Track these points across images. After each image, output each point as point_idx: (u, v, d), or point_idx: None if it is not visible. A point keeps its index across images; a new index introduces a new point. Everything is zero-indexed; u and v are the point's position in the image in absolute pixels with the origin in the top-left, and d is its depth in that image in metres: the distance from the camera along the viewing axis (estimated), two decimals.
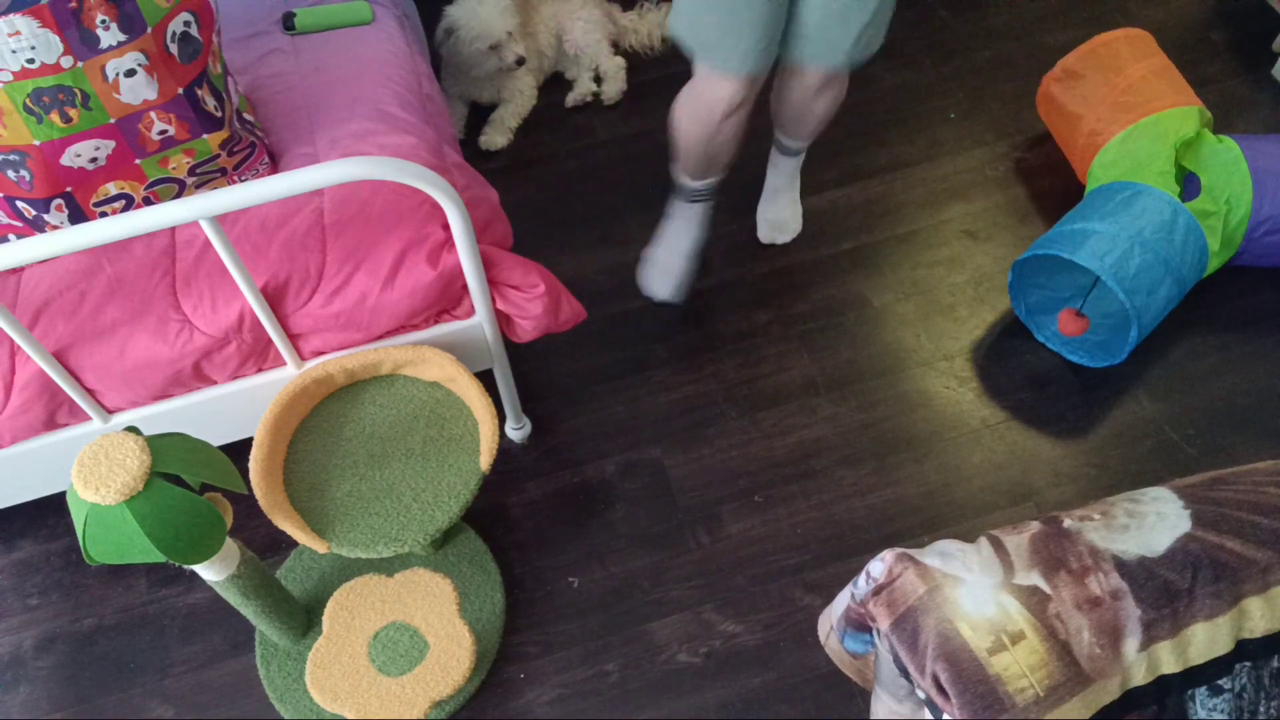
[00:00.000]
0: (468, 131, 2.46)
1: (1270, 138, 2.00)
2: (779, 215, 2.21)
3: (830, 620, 1.32)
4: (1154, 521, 1.14)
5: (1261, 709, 1.09)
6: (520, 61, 2.31)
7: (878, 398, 1.99)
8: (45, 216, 1.51)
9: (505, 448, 1.96)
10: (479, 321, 1.67)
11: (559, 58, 2.53)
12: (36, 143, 1.42)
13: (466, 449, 1.59)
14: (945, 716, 1.08)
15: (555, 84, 2.55)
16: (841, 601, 1.26)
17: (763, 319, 2.10)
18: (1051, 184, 2.29)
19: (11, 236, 1.54)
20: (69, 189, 1.49)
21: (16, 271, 1.59)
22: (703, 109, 1.81)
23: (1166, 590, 1.09)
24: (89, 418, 1.60)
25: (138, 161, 1.51)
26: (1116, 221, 1.87)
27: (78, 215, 1.53)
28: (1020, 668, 1.05)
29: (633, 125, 2.46)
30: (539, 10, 2.46)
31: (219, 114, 1.55)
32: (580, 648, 1.72)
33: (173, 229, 1.62)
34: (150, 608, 1.79)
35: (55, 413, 1.57)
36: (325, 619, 1.58)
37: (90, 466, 1.18)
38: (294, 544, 1.84)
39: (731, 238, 2.23)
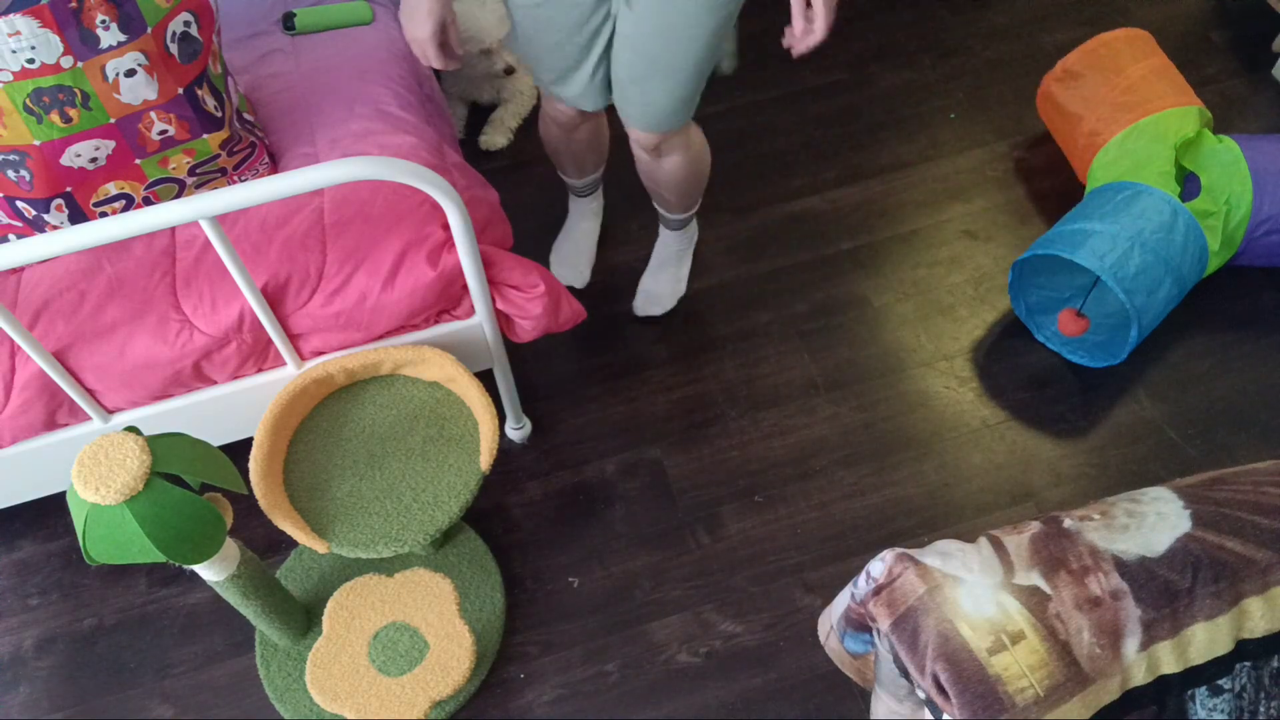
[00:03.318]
0: (468, 131, 2.46)
1: (1270, 138, 2.00)
2: (655, 288, 2.12)
3: (830, 620, 1.32)
4: (1154, 521, 1.14)
5: (1261, 709, 1.09)
6: (509, 71, 2.31)
7: (878, 398, 1.99)
8: (45, 216, 1.51)
9: (505, 448, 1.96)
10: (479, 321, 1.67)
11: None
12: (36, 143, 1.42)
13: (466, 449, 1.59)
14: (945, 716, 1.08)
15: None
16: (841, 601, 1.26)
17: (763, 319, 2.10)
18: (1051, 184, 2.29)
19: (11, 236, 1.54)
20: (69, 189, 1.49)
21: (16, 271, 1.59)
22: (550, 121, 1.87)
23: (1166, 590, 1.09)
24: (89, 418, 1.60)
25: (138, 161, 1.51)
26: (1116, 221, 1.87)
27: (78, 215, 1.53)
28: (1020, 668, 1.05)
29: None
30: None
31: (219, 114, 1.55)
32: (580, 648, 1.72)
33: (173, 229, 1.62)
34: (150, 608, 1.79)
35: (55, 413, 1.57)
36: (325, 619, 1.58)
37: (90, 466, 1.18)
38: (294, 544, 1.84)
39: (731, 238, 2.23)
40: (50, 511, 1.90)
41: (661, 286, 2.12)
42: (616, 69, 1.63)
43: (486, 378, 1.85)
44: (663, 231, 2.11)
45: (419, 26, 1.44)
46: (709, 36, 1.53)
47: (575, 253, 2.18)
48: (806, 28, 1.36)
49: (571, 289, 2.15)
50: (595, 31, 1.58)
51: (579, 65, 1.64)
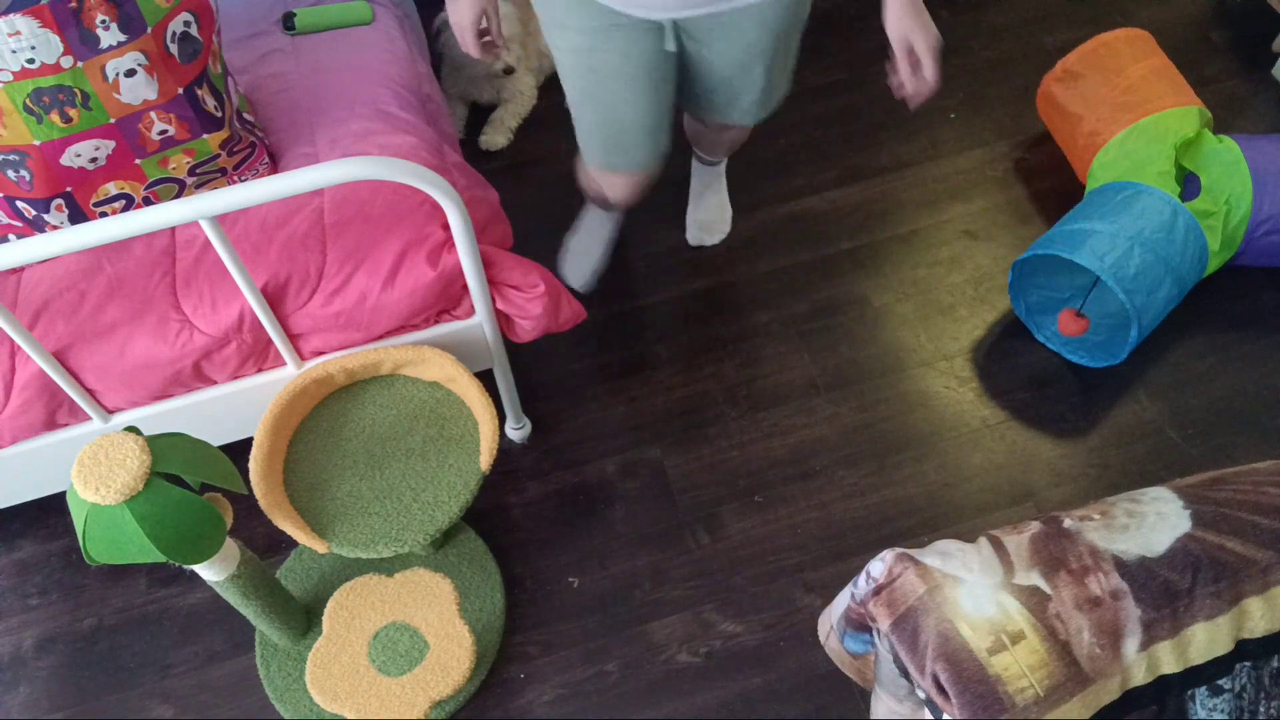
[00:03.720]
0: (468, 131, 2.46)
1: (1270, 138, 2.00)
2: (706, 216, 2.19)
3: (830, 620, 1.32)
4: (1154, 521, 1.14)
5: (1261, 709, 1.09)
6: (509, 70, 2.31)
7: (878, 398, 1.99)
8: (45, 216, 1.51)
9: (505, 448, 1.96)
10: (479, 321, 1.67)
11: None
12: (36, 143, 1.42)
13: (466, 449, 1.59)
14: (945, 716, 1.08)
15: (555, 84, 2.55)
16: (841, 601, 1.26)
17: (763, 319, 2.10)
18: (1051, 184, 2.29)
19: (11, 236, 1.54)
20: (69, 189, 1.49)
21: (16, 271, 1.59)
22: (593, 186, 1.86)
23: (1166, 590, 1.09)
24: (89, 418, 1.60)
25: (138, 161, 1.51)
26: (1116, 221, 1.87)
27: (78, 215, 1.53)
28: (1020, 668, 1.05)
29: None
30: None
31: (219, 114, 1.55)
32: (580, 648, 1.72)
33: (173, 229, 1.62)
34: (150, 608, 1.79)
35: (55, 413, 1.57)
36: (325, 619, 1.58)
37: (90, 466, 1.18)
38: (294, 544, 1.84)
39: (731, 238, 2.22)
40: (50, 511, 1.90)
41: (712, 214, 2.18)
42: (695, 98, 1.65)
43: (486, 378, 1.85)
44: (700, 166, 2.13)
45: (461, 12, 1.43)
46: (782, 44, 1.52)
47: (587, 257, 2.14)
48: (916, 80, 1.36)
49: (566, 283, 2.15)
50: (660, 78, 1.53)
51: (646, 119, 1.58)
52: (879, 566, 1.15)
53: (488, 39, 1.48)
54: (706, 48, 1.51)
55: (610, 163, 1.67)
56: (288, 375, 1.64)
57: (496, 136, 2.40)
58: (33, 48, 1.33)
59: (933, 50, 1.34)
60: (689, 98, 1.68)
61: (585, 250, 2.14)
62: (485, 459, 1.56)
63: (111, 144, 1.46)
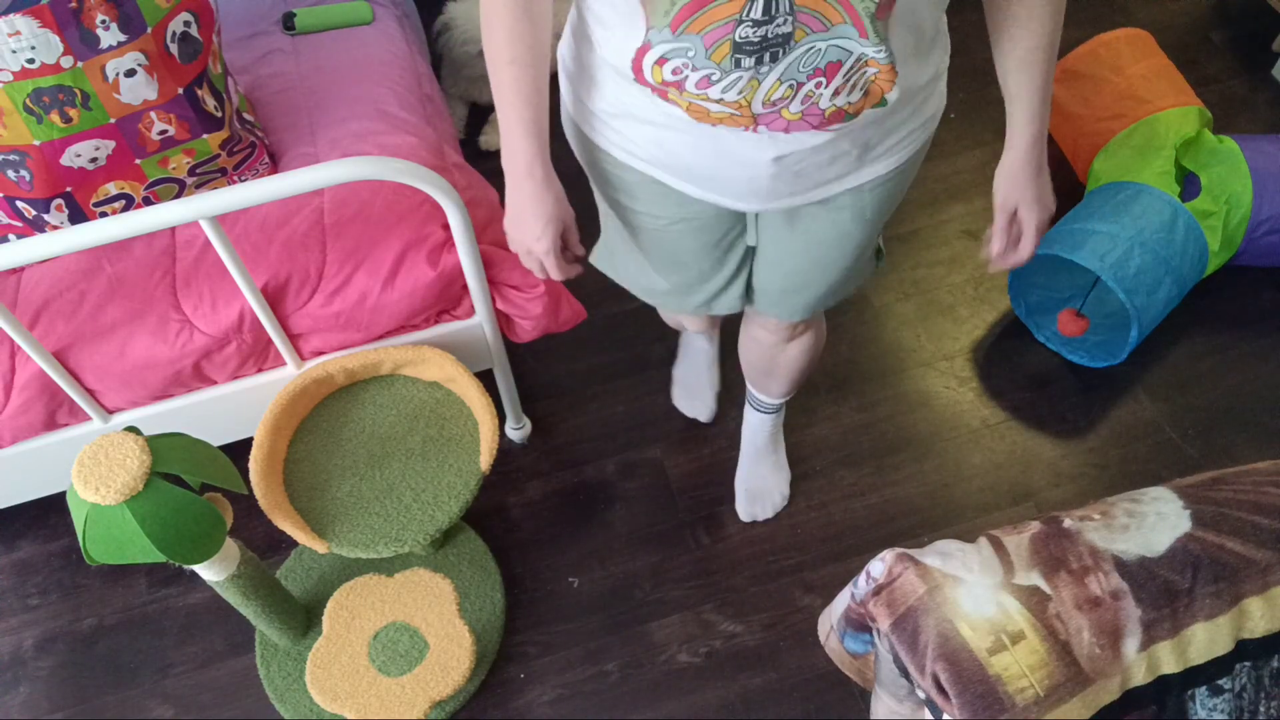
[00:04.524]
0: (468, 131, 2.46)
1: (1270, 138, 2.00)
2: (760, 484, 1.84)
3: (830, 620, 1.32)
4: (1154, 521, 1.14)
5: (1261, 709, 1.09)
6: None
7: (878, 398, 1.99)
8: (45, 216, 1.51)
9: (505, 448, 1.96)
10: (479, 321, 1.67)
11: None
12: (36, 143, 1.42)
13: (466, 449, 1.59)
14: (945, 716, 1.08)
15: (555, 84, 2.55)
16: (841, 601, 1.26)
17: None
18: (1052, 184, 2.28)
19: (11, 236, 1.54)
20: (69, 189, 1.49)
21: (16, 271, 1.59)
22: (670, 319, 1.73)
23: (1166, 590, 1.09)
24: (89, 418, 1.60)
25: (138, 161, 1.51)
26: (1117, 221, 1.87)
27: (78, 215, 1.53)
28: (1020, 668, 1.05)
29: None
30: None
31: (219, 114, 1.55)
32: (580, 648, 1.72)
33: (173, 229, 1.62)
34: (150, 608, 1.79)
35: (55, 413, 1.57)
36: (325, 619, 1.58)
37: (90, 466, 1.18)
38: (294, 544, 1.84)
39: None
40: (50, 511, 1.90)
41: (766, 481, 1.83)
42: (761, 284, 1.38)
43: (486, 378, 1.85)
44: (753, 415, 1.79)
45: (536, 238, 1.15)
46: (866, 243, 1.30)
47: (700, 386, 1.94)
48: (1010, 249, 1.22)
49: (697, 421, 1.96)
50: (731, 247, 1.31)
51: (712, 278, 1.35)
52: (879, 566, 1.15)
53: (570, 252, 1.21)
54: (792, 237, 1.28)
55: (682, 307, 1.44)
56: (288, 375, 1.64)
57: (496, 136, 2.40)
58: (33, 48, 1.33)
59: (1041, 227, 1.19)
60: (751, 288, 1.42)
61: (696, 381, 1.95)
62: (485, 459, 1.56)
63: (111, 144, 1.46)
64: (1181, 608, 1.08)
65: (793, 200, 1.17)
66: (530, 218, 1.14)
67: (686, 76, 0.99)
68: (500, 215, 1.77)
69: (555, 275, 1.19)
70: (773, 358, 1.59)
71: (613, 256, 1.43)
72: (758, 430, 1.81)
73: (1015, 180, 1.21)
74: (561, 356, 2.07)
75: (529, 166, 1.12)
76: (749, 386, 1.75)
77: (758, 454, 1.83)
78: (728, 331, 1.98)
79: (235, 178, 1.63)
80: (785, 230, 1.26)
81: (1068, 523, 1.16)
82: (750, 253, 1.34)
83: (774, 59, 0.96)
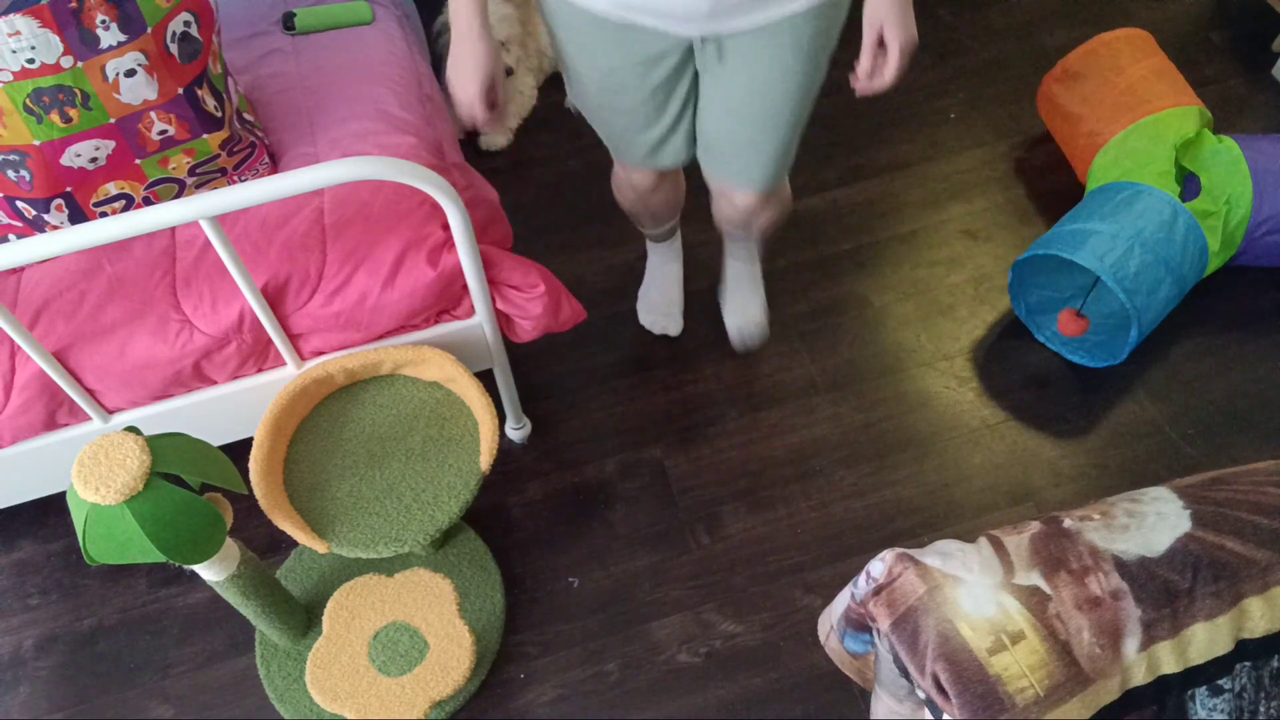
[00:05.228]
0: (467, 131, 2.46)
1: (1270, 138, 2.00)
2: (748, 315, 2.01)
3: (830, 620, 1.32)
4: (1154, 521, 1.14)
5: (1261, 709, 1.09)
6: (509, 71, 2.31)
7: (878, 398, 1.99)
8: (45, 216, 1.51)
9: (505, 448, 1.96)
10: (479, 321, 1.67)
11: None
12: (36, 143, 1.42)
13: (466, 449, 1.59)
14: (945, 716, 1.08)
15: (555, 84, 2.55)
16: (841, 601, 1.26)
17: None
18: (1051, 184, 2.29)
19: (11, 236, 1.54)
20: (69, 189, 1.49)
21: (16, 271, 1.59)
22: (625, 185, 1.76)
23: (1166, 590, 1.09)
24: (89, 418, 1.60)
25: (138, 161, 1.51)
26: (1117, 221, 1.87)
27: (78, 215, 1.53)
28: (1020, 668, 1.05)
29: None
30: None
31: (219, 114, 1.55)
32: (580, 648, 1.72)
33: (173, 229, 1.62)
34: (150, 608, 1.79)
35: (55, 413, 1.57)
36: (325, 619, 1.58)
37: (90, 466, 1.18)
38: (294, 544, 1.84)
39: None
40: (50, 511, 1.90)
41: (754, 312, 2.01)
42: (708, 134, 1.49)
43: (486, 378, 1.85)
44: (735, 254, 1.96)
45: (466, 82, 1.32)
46: (808, 83, 1.39)
47: (665, 300, 2.06)
48: (875, 70, 1.29)
49: (666, 333, 2.07)
50: (672, 91, 1.43)
51: (655, 124, 1.49)
52: (879, 566, 1.15)
53: (496, 109, 1.36)
54: (733, 74, 1.37)
55: (624, 159, 1.61)
56: (288, 375, 1.64)
57: (496, 136, 2.40)
58: (33, 48, 1.33)
59: (904, 48, 1.26)
60: (704, 152, 1.56)
61: (660, 294, 2.06)
62: (485, 459, 1.56)
63: (111, 144, 1.47)
64: (1181, 608, 1.08)
65: (733, 22, 1.28)
66: (466, 61, 1.31)
67: None
68: (500, 215, 1.77)
69: (480, 124, 1.35)
70: (744, 225, 1.73)
71: (577, 98, 1.55)
72: (740, 266, 1.99)
73: (880, 5, 1.27)
74: (561, 356, 2.07)
75: (469, 21, 1.30)
76: (725, 241, 1.95)
77: (742, 287, 2.00)
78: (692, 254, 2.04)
79: (235, 178, 1.63)
80: (725, 68, 1.36)
81: (1068, 523, 1.16)
82: (690, 100, 1.46)
83: None
